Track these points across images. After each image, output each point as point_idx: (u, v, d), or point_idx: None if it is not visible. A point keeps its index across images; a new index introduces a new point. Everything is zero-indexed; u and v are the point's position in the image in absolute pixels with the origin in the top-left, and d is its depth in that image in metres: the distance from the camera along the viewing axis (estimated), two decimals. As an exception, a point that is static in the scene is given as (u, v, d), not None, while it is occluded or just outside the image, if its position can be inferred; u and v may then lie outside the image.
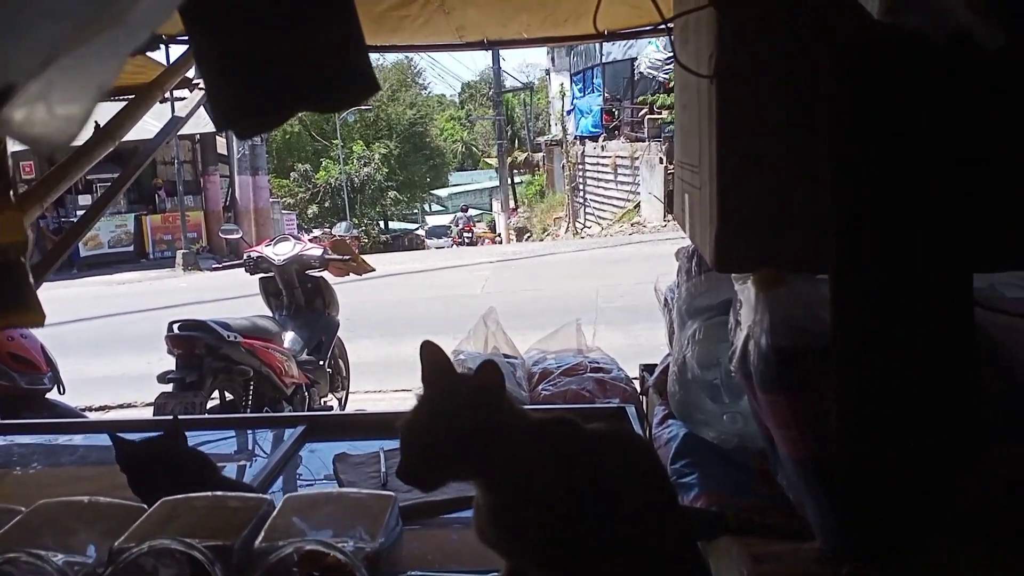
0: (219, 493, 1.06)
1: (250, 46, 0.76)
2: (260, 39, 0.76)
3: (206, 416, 3.46)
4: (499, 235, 25.65)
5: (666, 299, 2.01)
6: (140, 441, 1.25)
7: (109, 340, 8.70)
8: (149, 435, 1.29)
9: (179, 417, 1.33)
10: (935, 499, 1.02)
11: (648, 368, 2.29)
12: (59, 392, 3.83)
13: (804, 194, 1.07)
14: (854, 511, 1.05)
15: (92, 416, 5.44)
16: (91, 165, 2.73)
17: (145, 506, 1.02)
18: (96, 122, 2.85)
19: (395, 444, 1.83)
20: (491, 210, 32.60)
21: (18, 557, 0.91)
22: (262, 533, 0.93)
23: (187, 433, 2.05)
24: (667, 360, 2.04)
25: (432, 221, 33.23)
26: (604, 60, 21.02)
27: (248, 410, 4.27)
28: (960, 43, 0.73)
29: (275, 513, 0.98)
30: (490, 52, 21.95)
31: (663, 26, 1.60)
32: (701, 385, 1.49)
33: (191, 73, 3.37)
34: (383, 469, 1.68)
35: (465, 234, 25.10)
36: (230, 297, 8.89)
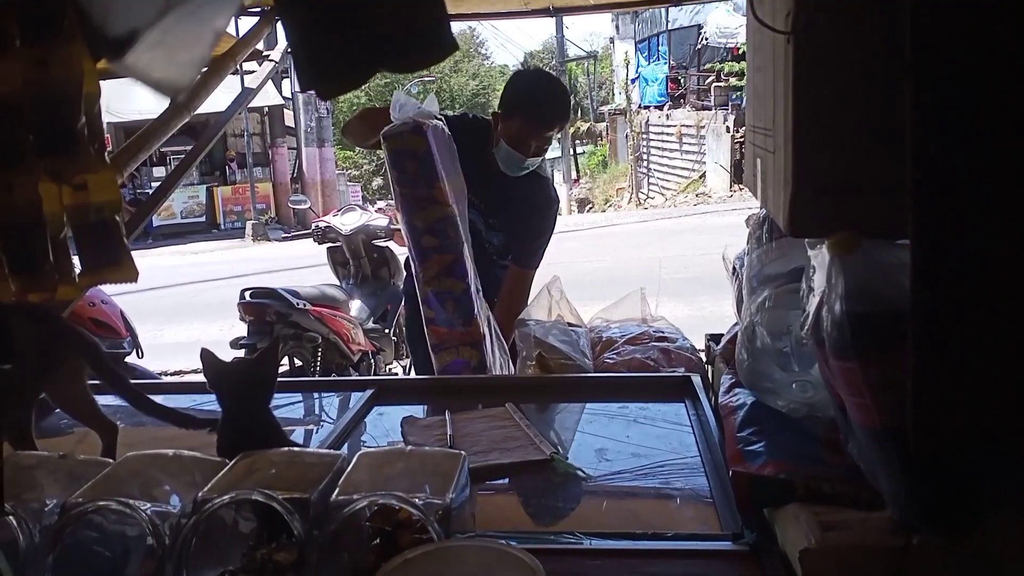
0: (295, 448, 1.11)
1: (334, 6, 0.78)
2: (347, 3, 0.78)
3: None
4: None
5: (734, 267, 1.98)
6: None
7: (182, 307, 9.00)
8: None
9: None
10: (1012, 471, 1.00)
11: (714, 338, 2.27)
12: (138, 356, 3.99)
13: (883, 156, 1.04)
14: (927, 481, 1.03)
15: (166, 380, 5.66)
16: (167, 136, 2.80)
17: (227, 460, 1.06)
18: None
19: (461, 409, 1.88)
20: (552, 181, 32.18)
21: (108, 505, 0.96)
22: (337, 487, 0.96)
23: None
24: (734, 330, 2.02)
25: None
26: (670, 27, 20.64)
27: (316, 375, 4.38)
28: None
29: (349, 468, 1.02)
30: (554, 21, 21.71)
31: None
32: (770, 353, 1.48)
33: (261, 45, 3.43)
34: (449, 432, 1.71)
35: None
36: (298, 267, 9.09)
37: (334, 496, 0.95)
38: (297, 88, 15.95)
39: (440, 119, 2.42)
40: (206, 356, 1.26)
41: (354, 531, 0.98)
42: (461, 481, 1.01)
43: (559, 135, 2.85)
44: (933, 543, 1.07)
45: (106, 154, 0.99)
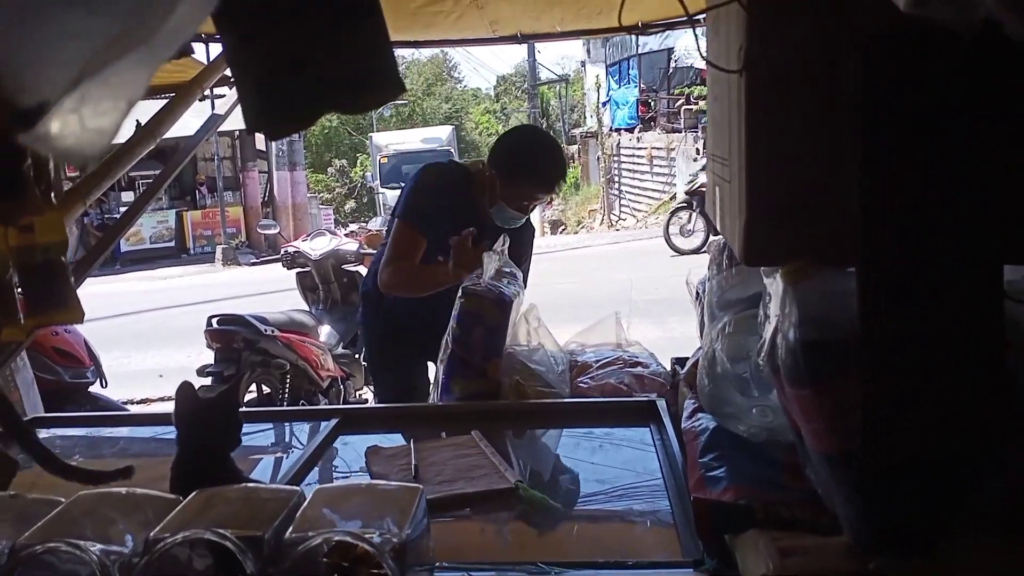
0: (251, 484, 1.09)
1: (280, 50, 0.78)
2: (290, 42, 0.79)
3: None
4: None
5: (698, 292, 2.00)
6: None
7: (151, 334, 8.88)
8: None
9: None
10: (964, 493, 1.01)
11: (680, 361, 2.28)
12: (101, 386, 3.93)
13: (833, 186, 1.06)
14: (881, 505, 1.04)
15: (134, 409, 5.58)
16: (132, 163, 2.78)
17: (180, 497, 1.05)
18: (137, 120, 2.91)
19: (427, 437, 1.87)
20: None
21: (58, 547, 0.94)
22: (292, 524, 0.95)
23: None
24: (699, 353, 2.04)
25: None
26: (640, 51, 20.89)
27: (284, 403, 4.34)
28: (990, 34, 0.72)
29: (305, 504, 1.01)
30: (526, 45, 21.82)
31: (695, 18, 1.61)
32: (730, 379, 1.49)
33: (230, 71, 3.42)
34: (413, 462, 1.70)
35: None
36: (269, 291, 9.02)
37: (288, 533, 0.94)
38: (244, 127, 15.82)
39: (517, 272, 2.37)
40: (184, 390, 1.24)
41: (311, 568, 0.97)
42: (418, 515, 1.00)
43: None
44: (890, 567, 1.07)
45: (52, 195, 0.98)
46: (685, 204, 12.32)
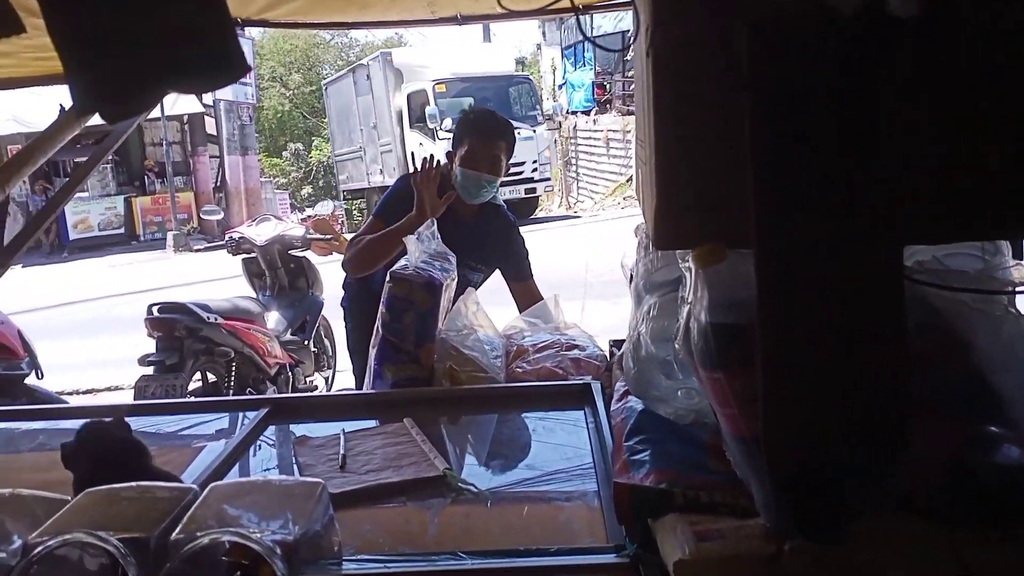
0: (147, 483, 1.05)
1: (111, 27, 0.74)
2: (122, 20, 0.74)
3: (161, 402, 3.39)
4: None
5: (632, 274, 1.99)
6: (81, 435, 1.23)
7: (97, 323, 8.68)
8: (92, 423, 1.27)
9: (125, 404, 1.31)
10: (871, 475, 1.01)
11: (617, 343, 2.27)
12: (37, 377, 3.82)
13: (741, 169, 1.04)
14: (793, 488, 1.04)
15: (78, 399, 5.46)
16: (55, 149, 2.69)
17: (68, 498, 1.00)
18: (61, 104, 2.80)
19: (357, 424, 1.84)
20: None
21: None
22: (180, 524, 0.92)
23: (154, 417, 2.04)
24: (633, 336, 2.03)
25: None
26: (595, 34, 20.85)
27: (231, 391, 4.27)
28: (877, 12, 0.71)
29: (197, 503, 0.97)
30: (481, 27, 21.65)
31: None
32: (655, 361, 1.48)
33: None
34: (342, 451, 1.67)
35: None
36: (220, 278, 8.86)
37: (175, 534, 0.90)
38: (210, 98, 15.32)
39: (451, 256, 2.35)
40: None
41: (209, 567, 0.93)
42: (317, 511, 0.97)
43: (507, 158, 3.11)
44: (805, 550, 1.07)
45: None
46: None
